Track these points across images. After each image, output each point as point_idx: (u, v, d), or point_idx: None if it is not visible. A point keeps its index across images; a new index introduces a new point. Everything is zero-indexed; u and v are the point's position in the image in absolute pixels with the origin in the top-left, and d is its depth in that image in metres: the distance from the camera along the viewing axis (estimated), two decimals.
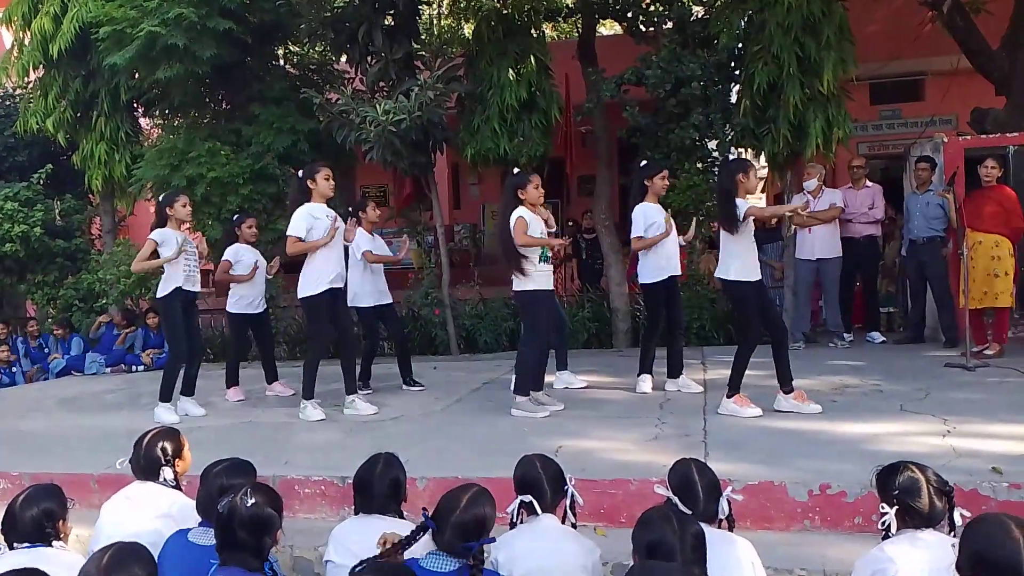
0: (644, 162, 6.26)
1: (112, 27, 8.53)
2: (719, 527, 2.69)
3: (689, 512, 2.58)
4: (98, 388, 8.38)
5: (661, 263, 5.98)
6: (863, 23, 9.02)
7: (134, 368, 9.66)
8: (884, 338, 8.13)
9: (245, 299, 7.04)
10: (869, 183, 8.24)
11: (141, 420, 6.24)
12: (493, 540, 2.61)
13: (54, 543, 2.83)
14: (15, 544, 2.78)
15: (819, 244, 7.96)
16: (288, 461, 4.81)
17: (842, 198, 8.06)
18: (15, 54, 10.17)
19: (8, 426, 6.62)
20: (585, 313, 9.40)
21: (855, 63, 8.00)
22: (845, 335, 8.17)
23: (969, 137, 8.20)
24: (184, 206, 6.22)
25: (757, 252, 5.35)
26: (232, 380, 7.09)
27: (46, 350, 10.27)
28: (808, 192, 8.03)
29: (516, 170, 5.87)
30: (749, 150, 8.78)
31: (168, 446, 3.34)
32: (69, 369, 9.86)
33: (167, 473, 3.30)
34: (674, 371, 6.18)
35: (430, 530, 2.54)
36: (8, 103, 11.84)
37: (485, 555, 2.55)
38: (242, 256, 7.06)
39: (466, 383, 7.08)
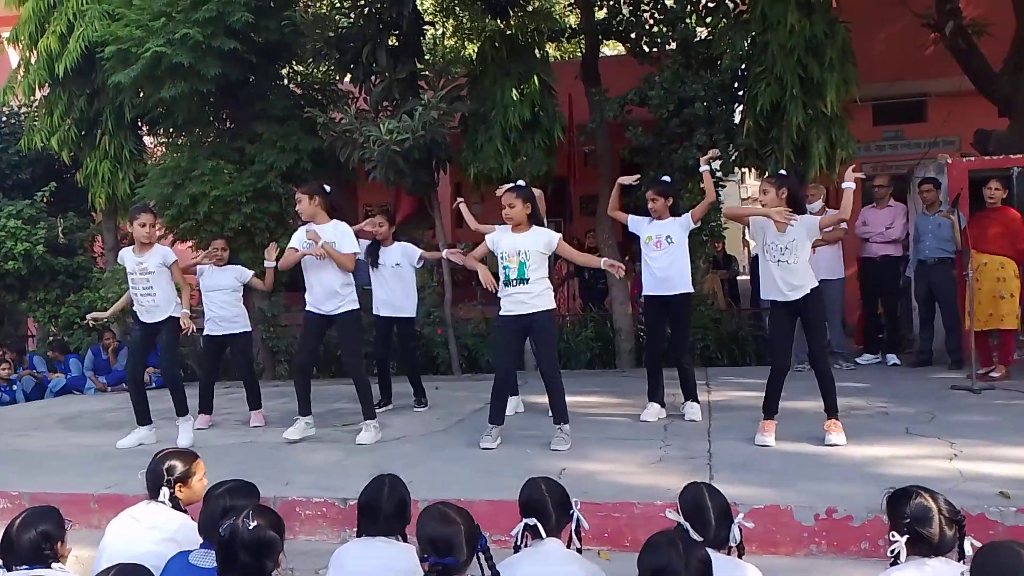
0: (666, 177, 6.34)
1: (117, 46, 8.57)
2: (728, 554, 2.65)
3: (700, 539, 2.54)
4: (98, 407, 8.36)
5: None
6: (866, 44, 9.04)
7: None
8: (897, 361, 8.07)
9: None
10: (893, 202, 8.20)
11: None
12: (485, 539, 2.63)
13: (53, 565, 2.80)
14: (14, 567, 2.75)
15: (823, 265, 7.89)
16: (289, 482, 4.77)
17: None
18: (21, 73, 10.22)
19: (8, 444, 6.60)
20: (588, 333, 9.37)
21: (858, 84, 8.02)
22: (869, 356, 8.18)
23: (973, 158, 8.20)
24: (142, 225, 5.88)
25: (773, 272, 5.13)
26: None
27: (39, 371, 10.23)
28: (812, 213, 8.01)
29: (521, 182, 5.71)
30: (753, 170, 8.79)
31: (177, 467, 3.29)
32: (69, 388, 9.83)
33: (164, 493, 3.25)
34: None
35: (442, 570, 2.49)
36: (13, 121, 11.88)
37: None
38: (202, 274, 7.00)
39: (468, 403, 7.04)
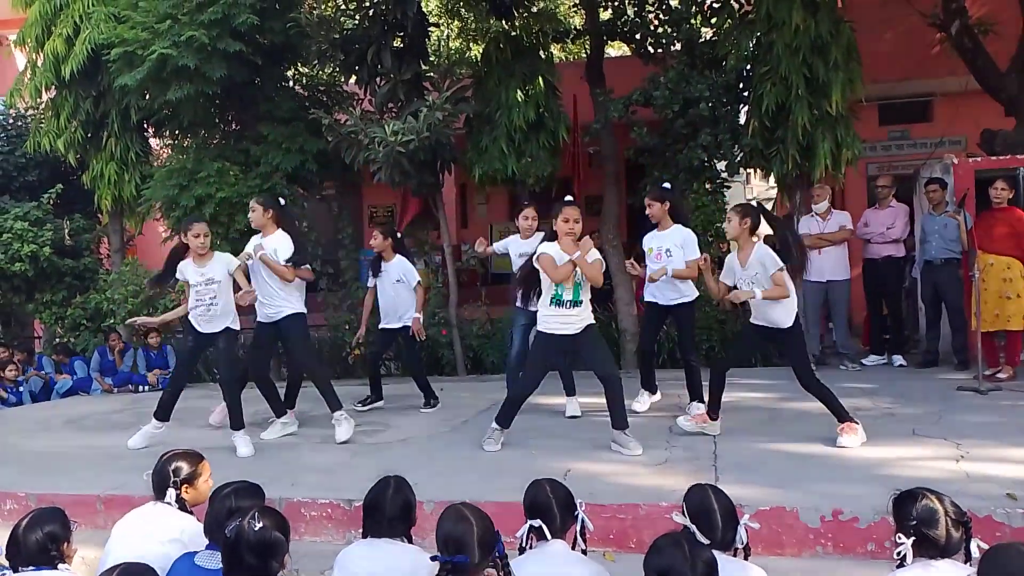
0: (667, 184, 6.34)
1: (123, 49, 8.58)
2: (734, 555, 2.65)
3: (707, 541, 2.54)
4: (104, 408, 8.37)
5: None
6: (871, 44, 9.03)
7: (140, 388, 9.65)
8: (903, 362, 8.05)
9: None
10: (895, 203, 8.17)
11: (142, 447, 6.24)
12: (499, 533, 2.58)
13: (59, 566, 2.80)
14: (20, 568, 2.76)
15: (828, 266, 7.91)
16: (295, 483, 4.78)
17: (850, 219, 8.03)
18: (28, 75, 10.25)
19: (15, 446, 6.61)
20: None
21: (863, 84, 8.00)
22: (875, 357, 8.17)
23: (979, 159, 8.18)
24: (196, 236, 5.77)
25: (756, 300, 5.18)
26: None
27: (47, 371, 10.26)
28: (818, 214, 8.00)
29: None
30: (758, 171, 8.78)
31: (183, 468, 3.30)
32: (75, 390, 9.86)
33: (171, 494, 3.26)
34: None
35: (452, 568, 2.48)
36: (20, 123, 11.91)
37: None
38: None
39: (473, 404, 7.04)
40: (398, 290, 6.82)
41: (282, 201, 6.14)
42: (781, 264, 4.99)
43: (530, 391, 5.37)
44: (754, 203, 5.42)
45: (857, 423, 4.98)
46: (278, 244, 5.95)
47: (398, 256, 6.91)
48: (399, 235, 7.25)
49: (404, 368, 7.79)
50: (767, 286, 5.04)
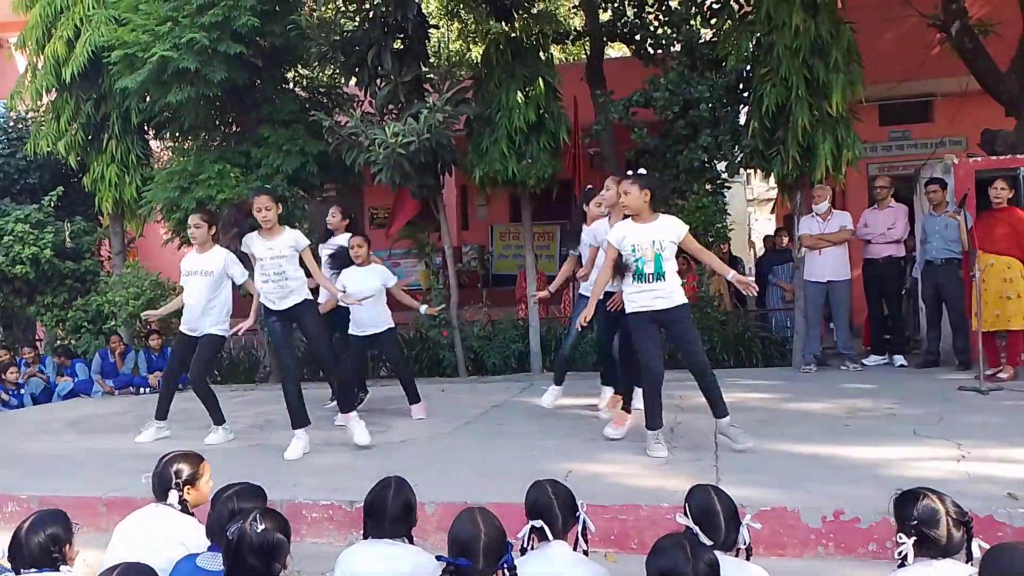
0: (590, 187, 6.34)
1: (124, 51, 8.60)
2: (736, 556, 2.65)
3: (710, 543, 2.54)
4: (105, 410, 8.38)
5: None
6: (872, 45, 9.03)
7: (142, 390, 9.66)
8: (904, 362, 8.05)
9: None
10: (894, 203, 8.18)
11: (148, 443, 6.25)
12: (511, 546, 2.57)
13: (61, 568, 2.81)
14: (22, 570, 2.76)
15: (829, 266, 7.92)
16: (296, 484, 4.78)
17: (850, 220, 8.04)
18: (28, 78, 10.26)
19: (16, 448, 6.62)
20: (593, 334, 9.34)
21: (864, 85, 8.00)
22: (876, 357, 8.18)
23: (980, 159, 8.18)
24: (258, 210, 5.59)
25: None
26: None
27: (46, 374, 10.27)
28: (818, 214, 8.01)
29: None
30: (758, 171, 8.78)
31: (184, 470, 3.31)
32: (77, 392, 9.87)
33: (173, 496, 3.27)
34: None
35: (456, 571, 2.47)
36: (20, 126, 11.92)
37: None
38: None
39: (474, 406, 7.04)
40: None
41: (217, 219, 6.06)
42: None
43: (661, 374, 5.00)
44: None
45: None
46: (228, 260, 6.11)
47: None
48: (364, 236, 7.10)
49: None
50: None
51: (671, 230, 4.93)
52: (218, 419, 6.30)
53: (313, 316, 5.83)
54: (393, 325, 6.59)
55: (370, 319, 6.35)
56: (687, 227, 5.01)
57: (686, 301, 5.00)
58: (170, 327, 8.48)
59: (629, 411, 5.58)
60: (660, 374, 4.98)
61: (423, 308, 7.05)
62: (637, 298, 4.95)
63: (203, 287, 6.14)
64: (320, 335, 5.94)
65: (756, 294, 5.48)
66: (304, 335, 6.08)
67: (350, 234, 6.81)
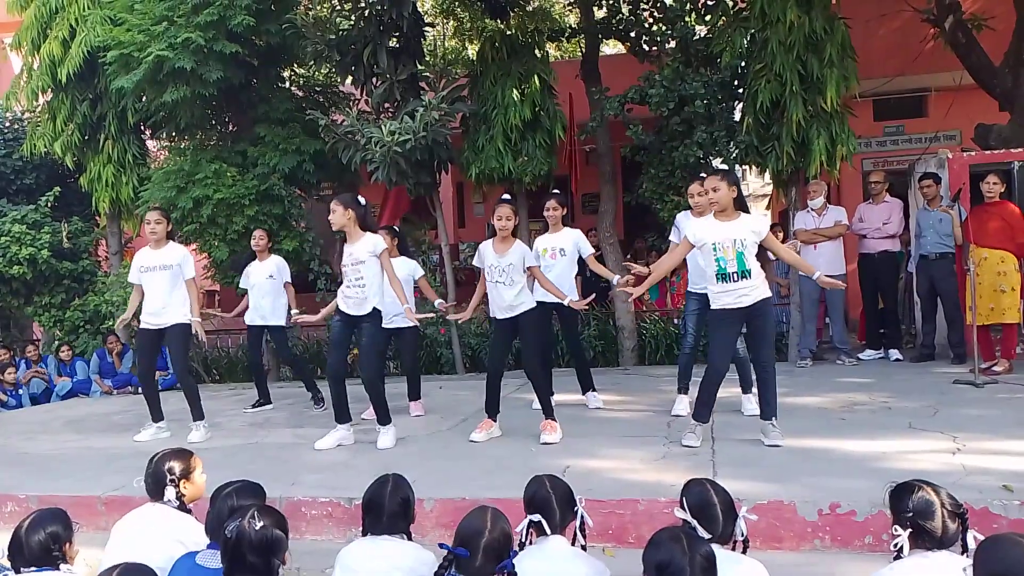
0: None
1: (120, 51, 8.60)
2: (733, 548, 2.67)
3: (708, 536, 2.56)
4: (104, 410, 8.39)
5: None
6: (866, 40, 9.06)
7: (140, 390, 9.65)
8: (899, 356, 8.08)
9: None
10: (889, 198, 8.21)
11: (147, 442, 6.25)
12: (516, 554, 2.58)
13: (61, 567, 2.82)
14: (22, 569, 2.77)
15: (824, 261, 7.90)
16: (295, 482, 4.80)
17: (845, 215, 8.06)
18: (24, 78, 10.25)
19: (15, 448, 6.63)
20: (591, 331, 9.38)
21: (858, 80, 8.03)
22: (871, 352, 8.20)
23: (974, 153, 8.20)
24: (330, 214, 5.56)
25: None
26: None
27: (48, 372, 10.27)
28: (813, 209, 8.03)
29: None
30: (753, 167, 8.80)
31: (176, 466, 3.33)
32: (75, 392, 9.87)
33: (170, 492, 3.28)
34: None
35: (454, 560, 2.49)
36: (16, 126, 11.91)
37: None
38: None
39: (472, 402, 7.04)
40: (270, 287, 7.37)
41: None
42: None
43: (723, 373, 4.97)
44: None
45: None
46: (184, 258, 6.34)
47: (271, 256, 7.56)
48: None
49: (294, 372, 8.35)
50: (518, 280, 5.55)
51: (753, 227, 4.84)
52: (198, 414, 6.32)
53: (371, 330, 5.62)
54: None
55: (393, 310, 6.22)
56: (768, 224, 4.89)
57: (770, 294, 4.97)
58: None
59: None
60: (722, 374, 4.98)
61: (438, 302, 6.94)
62: (722, 297, 4.88)
63: (164, 280, 6.27)
64: (371, 351, 5.71)
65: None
66: (357, 341, 5.89)
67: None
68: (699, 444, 4.96)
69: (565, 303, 5.67)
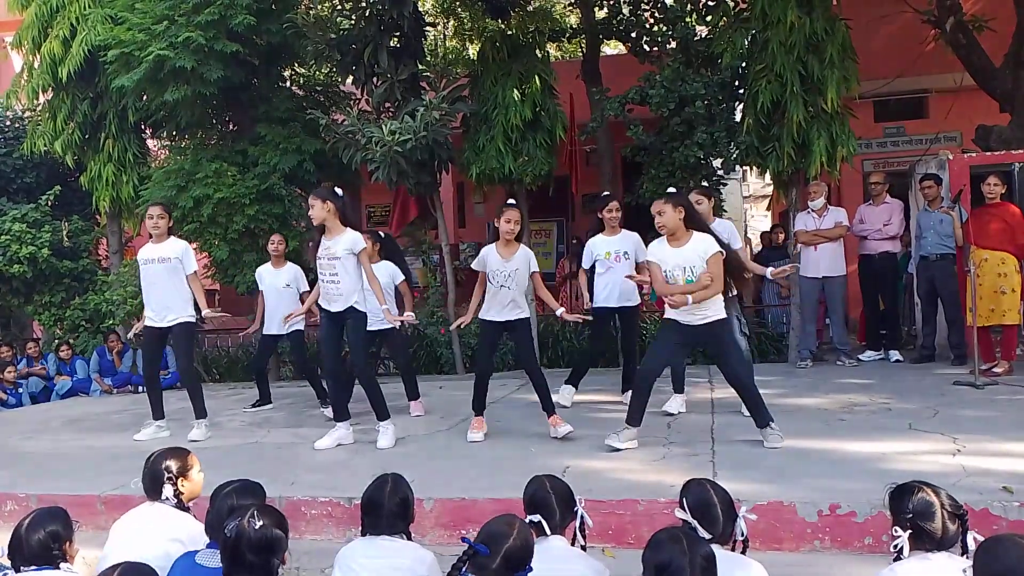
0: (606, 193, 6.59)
1: (120, 50, 8.60)
2: (733, 549, 2.67)
3: (709, 536, 2.55)
4: (104, 409, 8.38)
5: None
6: (866, 41, 9.05)
7: (140, 389, 9.66)
8: (900, 357, 8.08)
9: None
10: (889, 199, 8.21)
11: (147, 441, 6.25)
12: (532, 570, 2.53)
13: (61, 565, 2.82)
14: (22, 568, 2.77)
15: (824, 262, 7.94)
16: (295, 482, 4.80)
17: (846, 216, 8.06)
18: (25, 77, 10.24)
19: (15, 447, 6.62)
20: (589, 332, 9.36)
21: (858, 81, 8.03)
22: (871, 353, 8.20)
23: (974, 154, 8.20)
24: (309, 208, 5.58)
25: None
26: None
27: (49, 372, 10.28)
28: (814, 210, 8.03)
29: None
30: (754, 168, 8.80)
31: (173, 464, 3.32)
32: (75, 391, 9.87)
33: (168, 490, 3.28)
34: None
35: (472, 556, 2.47)
36: (17, 125, 11.91)
37: None
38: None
39: (470, 403, 7.04)
40: (288, 295, 7.31)
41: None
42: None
43: (654, 377, 5.05)
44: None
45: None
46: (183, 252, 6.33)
47: (287, 263, 7.52)
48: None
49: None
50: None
51: (700, 251, 4.82)
52: (201, 412, 6.34)
53: (356, 328, 5.62)
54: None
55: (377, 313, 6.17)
56: (717, 248, 4.84)
57: (724, 316, 4.98)
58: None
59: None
60: (650, 378, 5.08)
61: (407, 314, 6.84)
62: (674, 311, 4.92)
63: (163, 273, 6.25)
64: (362, 348, 5.75)
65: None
66: (346, 337, 5.85)
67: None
68: (623, 447, 4.97)
69: (557, 314, 5.72)
